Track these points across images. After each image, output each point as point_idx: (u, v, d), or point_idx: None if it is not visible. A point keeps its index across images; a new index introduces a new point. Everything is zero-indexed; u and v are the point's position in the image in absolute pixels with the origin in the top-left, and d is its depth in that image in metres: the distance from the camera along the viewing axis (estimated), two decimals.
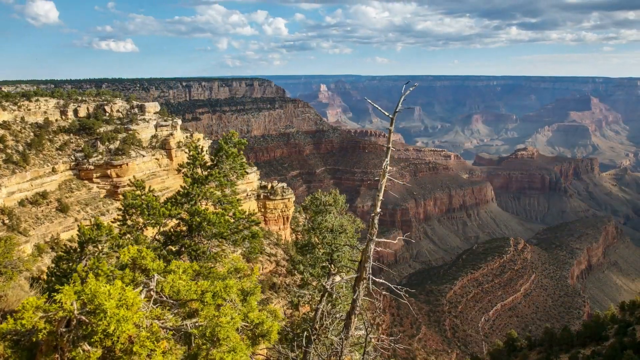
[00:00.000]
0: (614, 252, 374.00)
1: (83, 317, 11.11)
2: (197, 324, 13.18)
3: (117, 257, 20.30)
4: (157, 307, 13.29)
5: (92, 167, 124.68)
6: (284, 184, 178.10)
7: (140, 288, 13.62)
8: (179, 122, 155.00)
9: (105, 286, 11.50)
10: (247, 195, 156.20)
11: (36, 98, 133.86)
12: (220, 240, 28.06)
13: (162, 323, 12.83)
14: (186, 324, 13.18)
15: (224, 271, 17.14)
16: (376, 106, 22.79)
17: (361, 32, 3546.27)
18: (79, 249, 25.62)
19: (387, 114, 21.20)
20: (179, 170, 31.65)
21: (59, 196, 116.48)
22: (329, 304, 25.80)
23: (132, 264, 14.84)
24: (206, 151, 30.39)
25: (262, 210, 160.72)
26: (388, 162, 21.79)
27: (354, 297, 21.97)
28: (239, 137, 30.29)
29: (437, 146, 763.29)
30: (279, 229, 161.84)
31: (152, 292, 13.63)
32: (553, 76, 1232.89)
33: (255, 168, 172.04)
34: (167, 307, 13.60)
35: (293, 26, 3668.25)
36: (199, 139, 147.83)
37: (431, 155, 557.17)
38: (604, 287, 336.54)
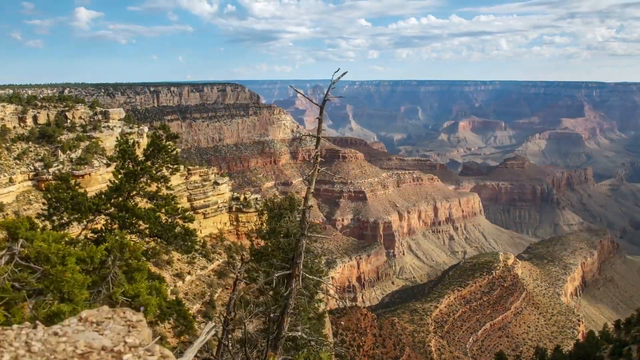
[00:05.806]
0: (609, 267, 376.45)
1: None
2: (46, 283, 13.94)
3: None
4: (19, 270, 13.95)
5: (52, 178, 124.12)
6: (258, 196, 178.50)
7: (4, 252, 14.24)
8: (146, 129, 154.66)
9: None
10: (218, 207, 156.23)
11: None
12: (153, 238, 28.29)
13: (23, 285, 13.58)
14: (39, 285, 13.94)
15: (106, 246, 17.70)
16: (305, 95, 23.65)
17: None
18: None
19: (314, 102, 22.06)
20: None
21: (17, 209, 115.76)
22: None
23: (7, 233, 15.49)
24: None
25: (235, 223, 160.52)
26: (319, 153, 22.49)
27: (285, 294, 22.32)
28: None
29: (421, 155, 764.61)
30: None
31: (15, 257, 14.27)
32: (544, 81, 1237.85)
33: (227, 178, 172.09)
34: (29, 272, 14.23)
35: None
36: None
37: (415, 165, 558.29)
38: (600, 304, 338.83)
